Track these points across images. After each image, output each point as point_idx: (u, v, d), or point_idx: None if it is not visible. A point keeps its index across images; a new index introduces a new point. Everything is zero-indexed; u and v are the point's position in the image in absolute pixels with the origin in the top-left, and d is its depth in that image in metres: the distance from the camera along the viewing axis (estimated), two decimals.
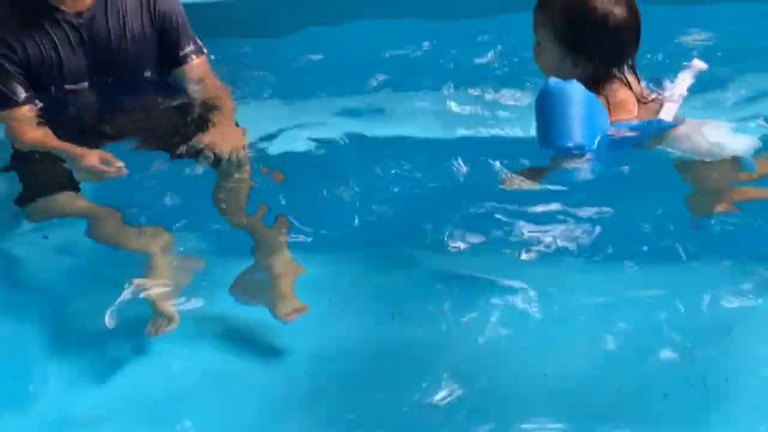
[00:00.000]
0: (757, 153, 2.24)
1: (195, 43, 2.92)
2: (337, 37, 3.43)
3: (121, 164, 2.51)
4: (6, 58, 2.70)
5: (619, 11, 2.23)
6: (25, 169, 2.68)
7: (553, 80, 2.19)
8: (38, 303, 2.40)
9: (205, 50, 2.95)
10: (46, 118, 2.76)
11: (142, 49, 2.83)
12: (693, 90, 2.40)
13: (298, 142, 2.77)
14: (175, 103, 2.87)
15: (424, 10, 3.47)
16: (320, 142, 2.76)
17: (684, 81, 2.41)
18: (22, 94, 2.72)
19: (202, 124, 2.72)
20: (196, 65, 2.91)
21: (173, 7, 2.88)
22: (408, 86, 3.06)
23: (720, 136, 2.24)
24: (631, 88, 2.30)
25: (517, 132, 2.50)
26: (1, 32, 2.70)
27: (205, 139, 2.61)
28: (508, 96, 2.73)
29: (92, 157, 2.54)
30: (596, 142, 2.18)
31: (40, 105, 2.77)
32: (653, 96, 2.35)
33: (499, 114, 2.60)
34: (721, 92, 2.66)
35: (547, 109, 2.18)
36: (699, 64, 2.48)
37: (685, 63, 2.50)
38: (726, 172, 2.23)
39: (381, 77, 3.12)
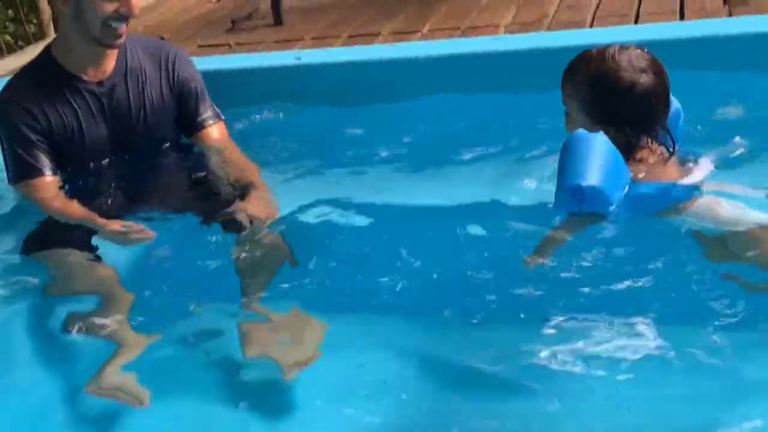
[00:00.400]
0: None
1: (212, 109, 2.95)
2: (359, 109, 3.48)
3: (142, 226, 2.51)
4: (30, 128, 2.70)
5: (645, 79, 2.20)
6: (41, 223, 2.66)
7: (582, 130, 2.17)
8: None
9: (222, 116, 2.96)
10: (70, 188, 2.76)
11: (161, 115, 2.85)
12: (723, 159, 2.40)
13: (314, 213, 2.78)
14: (196, 168, 2.87)
15: (447, 84, 3.52)
16: (338, 214, 2.76)
17: (714, 153, 2.40)
18: (46, 163, 2.72)
19: (233, 190, 2.71)
20: (215, 130, 2.93)
21: (191, 75, 2.90)
22: (426, 160, 3.07)
23: (739, 208, 2.19)
24: (661, 153, 2.26)
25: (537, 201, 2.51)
26: (23, 102, 2.71)
27: (241, 206, 2.57)
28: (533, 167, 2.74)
29: (115, 224, 2.52)
30: (615, 199, 2.11)
31: (63, 175, 2.75)
32: (683, 161, 2.31)
33: (524, 185, 2.61)
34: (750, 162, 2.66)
35: (568, 154, 2.14)
36: (736, 142, 2.49)
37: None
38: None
39: (402, 150, 3.15)
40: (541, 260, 2.18)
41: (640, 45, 3.07)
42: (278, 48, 4.34)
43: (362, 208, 2.67)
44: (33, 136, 2.71)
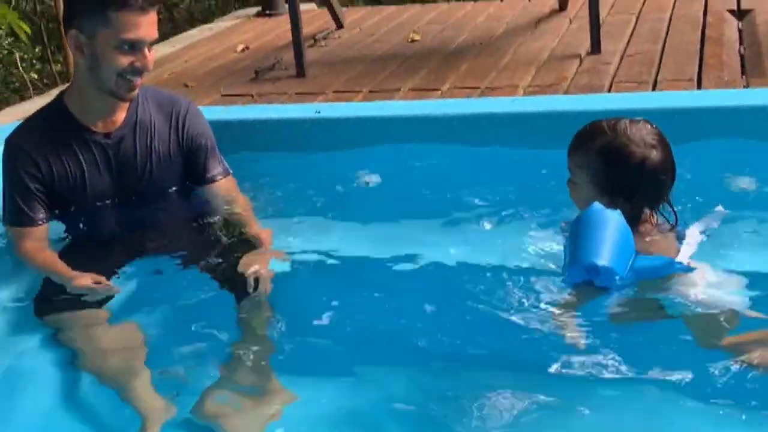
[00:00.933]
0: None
1: (222, 164, 2.95)
2: (374, 162, 3.52)
3: (110, 283, 2.53)
4: (29, 176, 2.72)
5: (655, 154, 2.27)
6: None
7: (598, 204, 2.21)
8: None
9: (230, 171, 2.98)
10: (70, 229, 2.78)
11: (168, 169, 2.86)
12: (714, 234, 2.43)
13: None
14: (200, 219, 2.89)
15: (464, 142, 3.57)
16: (344, 265, 2.78)
17: (704, 224, 2.45)
18: (39, 213, 2.74)
19: (238, 246, 2.72)
20: (223, 185, 2.93)
21: (202, 131, 2.91)
22: (436, 214, 3.10)
23: (719, 288, 2.23)
24: (661, 226, 2.32)
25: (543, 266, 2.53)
26: (27, 147, 2.73)
27: (245, 262, 2.58)
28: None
29: (84, 279, 2.53)
30: (624, 274, 2.15)
31: (60, 223, 2.77)
32: (675, 233, 2.36)
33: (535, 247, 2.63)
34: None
35: (583, 230, 2.17)
36: (722, 211, 2.53)
37: (715, 209, 2.55)
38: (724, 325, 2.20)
39: (414, 204, 3.18)
40: (577, 336, 2.18)
41: (656, 113, 3.15)
42: (300, 100, 4.40)
43: (370, 261, 2.71)
44: (32, 185, 2.73)
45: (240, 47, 5.76)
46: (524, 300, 2.33)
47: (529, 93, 4.19)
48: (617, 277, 2.15)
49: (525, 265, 2.51)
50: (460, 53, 5.08)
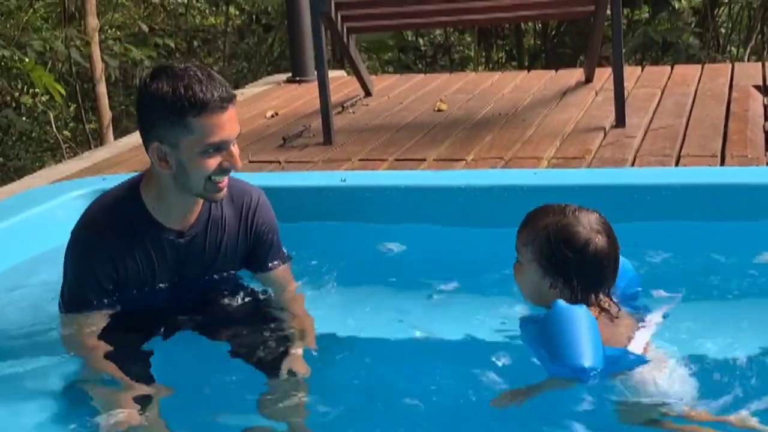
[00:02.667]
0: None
1: (281, 253, 2.94)
2: (399, 232, 3.57)
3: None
4: (105, 275, 2.67)
5: (600, 239, 2.33)
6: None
7: (562, 302, 2.26)
8: None
9: (289, 257, 2.97)
10: (121, 311, 2.74)
11: (231, 260, 2.85)
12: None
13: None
14: (253, 304, 2.88)
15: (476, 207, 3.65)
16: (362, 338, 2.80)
17: (661, 310, 2.48)
18: (103, 305, 2.70)
19: (283, 338, 2.69)
20: (279, 273, 2.92)
21: (269, 225, 2.88)
22: (457, 286, 3.12)
23: (668, 382, 2.25)
24: (607, 312, 2.34)
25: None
26: (105, 246, 2.66)
27: (287, 359, 2.55)
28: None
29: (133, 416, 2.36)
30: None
31: (117, 309, 2.73)
32: (628, 320, 2.38)
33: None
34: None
35: (558, 328, 2.21)
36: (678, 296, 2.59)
37: (671, 294, 2.60)
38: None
39: (434, 276, 3.18)
40: (509, 404, 2.24)
41: (677, 189, 3.18)
42: (326, 167, 4.46)
43: (386, 337, 2.72)
44: (104, 284, 2.68)
45: (269, 113, 5.86)
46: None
47: (552, 165, 4.23)
48: (600, 373, 2.19)
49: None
50: (486, 123, 5.14)
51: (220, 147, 2.55)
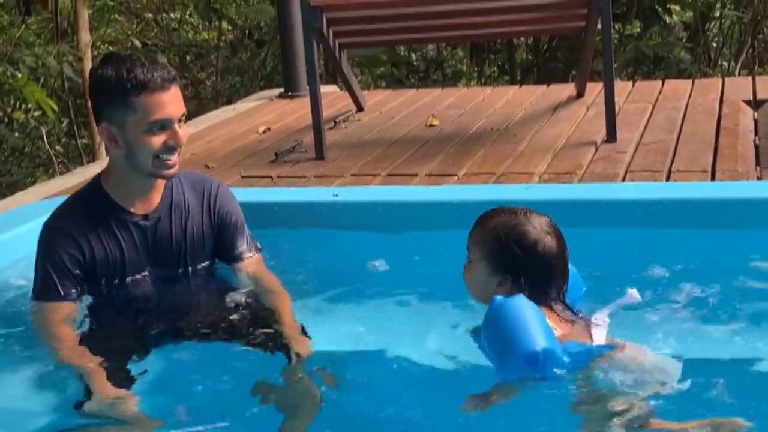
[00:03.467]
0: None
1: (251, 241, 3.04)
2: (391, 247, 3.56)
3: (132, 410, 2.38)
4: (70, 257, 2.77)
5: (550, 240, 2.39)
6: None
7: (499, 297, 2.28)
8: None
9: (260, 247, 3.06)
10: (95, 307, 2.82)
11: (200, 247, 2.94)
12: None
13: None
14: (229, 291, 2.93)
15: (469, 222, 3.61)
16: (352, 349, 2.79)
17: (608, 309, 2.51)
18: (71, 292, 2.78)
19: (270, 321, 2.75)
20: (251, 262, 3.01)
21: (232, 209, 3.00)
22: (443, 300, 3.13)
23: (659, 361, 2.28)
24: (562, 314, 2.38)
25: None
26: (69, 230, 2.79)
27: (289, 343, 2.61)
28: None
29: (110, 390, 2.43)
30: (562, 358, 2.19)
31: (89, 300, 2.81)
32: (577, 320, 2.41)
33: None
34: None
35: (503, 323, 2.22)
36: (633, 296, 2.58)
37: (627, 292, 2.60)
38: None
39: (421, 289, 3.18)
40: (476, 409, 2.25)
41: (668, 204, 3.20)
42: (318, 183, 4.47)
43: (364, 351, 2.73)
44: (72, 267, 2.78)
45: (261, 129, 5.86)
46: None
47: (544, 180, 4.24)
48: (560, 364, 2.19)
49: None
50: (478, 139, 5.15)
51: (164, 125, 2.70)
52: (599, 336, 2.35)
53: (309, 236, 3.73)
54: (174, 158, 2.76)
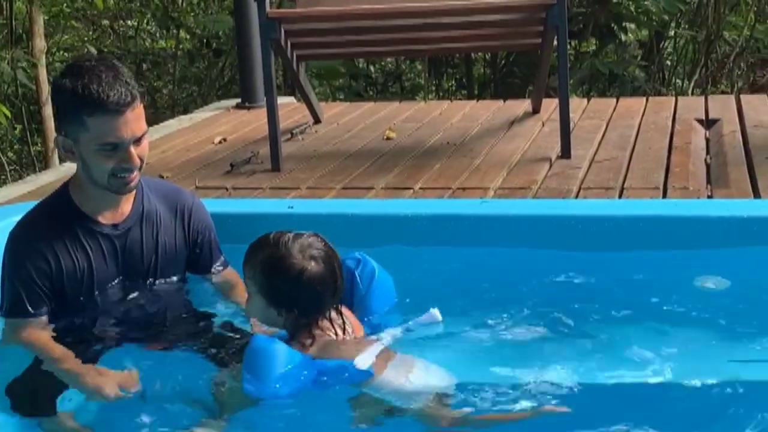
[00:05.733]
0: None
1: (222, 255, 3.01)
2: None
3: (138, 387, 2.46)
4: (38, 270, 2.68)
5: (313, 266, 2.43)
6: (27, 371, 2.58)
7: (259, 337, 2.41)
8: None
9: (228, 263, 3.03)
10: (70, 317, 2.75)
11: (173, 260, 2.89)
12: None
13: None
14: (202, 304, 2.92)
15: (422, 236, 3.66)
16: None
17: (406, 325, 2.66)
18: (41, 308, 2.70)
19: (242, 333, 2.74)
20: (225, 275, 2.99)
21: (207, 224, 2.96)
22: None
23: (422, 377, 2.40)
24: (336, 332, 2.48)
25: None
26: (36, 242, 2.70)
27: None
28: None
29: (109, 385, 2.44)
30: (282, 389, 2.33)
31: (61, 311, 2.74)
32: (359, 337, 2.53)
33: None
34: None
35: (252, 362, 2.36)
36: (434, 315, 2.72)
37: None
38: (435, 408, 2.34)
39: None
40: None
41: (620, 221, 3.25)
42: (273, 195, 4.46)
43: None
44: (39, 281, 2.69)
45: (217, 139, 5.84)
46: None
47: (499, 195, 4.27)
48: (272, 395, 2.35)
49: (489, 365, 2.59)
50: (434, 152, 5.17)
51: (116, 147, 2.61)
52: (373, 352, 2.44)
53: None
54: (131, 176, 2.67)
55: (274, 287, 2.45)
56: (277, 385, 2.34)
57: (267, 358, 2.36)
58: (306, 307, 2.46)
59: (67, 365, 2.56)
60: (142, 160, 2.68)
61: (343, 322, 2.52)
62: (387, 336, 2.57)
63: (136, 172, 2.68)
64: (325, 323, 2.49)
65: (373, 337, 2.57)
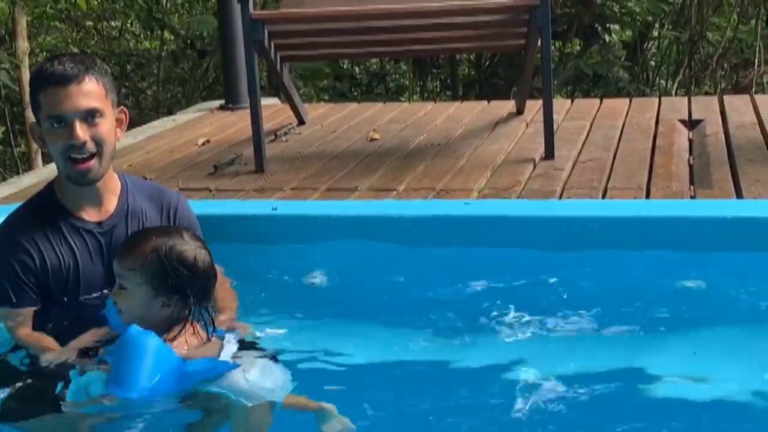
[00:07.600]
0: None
1: None
2: (327, 260, 3.58)
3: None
4: (22, 266, 2.70)
5: (204, 254, 2.50)
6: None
7: (135, 329, 2.38)
8: None
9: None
10: (57, 319, 2.75)
11: None
12: None
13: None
14: None
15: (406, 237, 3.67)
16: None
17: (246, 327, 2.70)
18: (25, 303, 2.71)
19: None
20: None
21: (191, 222, 2.96)
22: (381, 315, 3.17)
23: (259, 376, 2.42)
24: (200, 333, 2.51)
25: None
26: (20, 237, 2.71)
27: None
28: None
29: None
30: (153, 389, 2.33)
31: (47, 314, 2.73)
32: (214, 339, 2.54)
33: None
34: None
35: (125, 356, 2.36)
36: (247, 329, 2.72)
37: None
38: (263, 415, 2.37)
39: (360, 301, 3.23)
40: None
41: (603, 221, 3.26)
42: (257, 196, 4.45)
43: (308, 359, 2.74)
44: (24, 276, 2.71)
45: (201, 141, 5.82)
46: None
47: (483, 196, 4.27)
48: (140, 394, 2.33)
49: (474, 364, 2.61)
50: (419, 153, 5.17)
51: (61, 120, 2.64)
52: (228, 351, 2.48)
53: (247, 249, 3.71)
54: (86, 162, 2.67)
55: (173, 275, 2.43)
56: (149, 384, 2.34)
57: (144, 354, 2.36)
58: (200, 294, 2.48)
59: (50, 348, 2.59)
60: (98, 144, 2.68)
61: (214, 325, 2.55)
62: (232, 339, 2.57)
63: (92, 161, 2.68)
64: (192, 324, 2.51)
65: (224, 340, 2.58)
